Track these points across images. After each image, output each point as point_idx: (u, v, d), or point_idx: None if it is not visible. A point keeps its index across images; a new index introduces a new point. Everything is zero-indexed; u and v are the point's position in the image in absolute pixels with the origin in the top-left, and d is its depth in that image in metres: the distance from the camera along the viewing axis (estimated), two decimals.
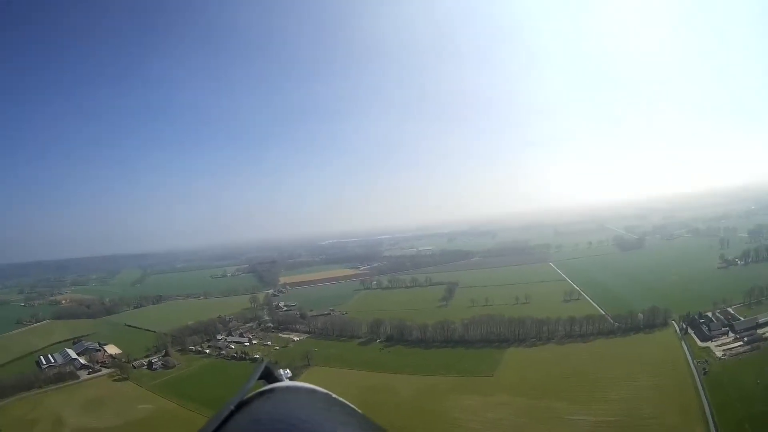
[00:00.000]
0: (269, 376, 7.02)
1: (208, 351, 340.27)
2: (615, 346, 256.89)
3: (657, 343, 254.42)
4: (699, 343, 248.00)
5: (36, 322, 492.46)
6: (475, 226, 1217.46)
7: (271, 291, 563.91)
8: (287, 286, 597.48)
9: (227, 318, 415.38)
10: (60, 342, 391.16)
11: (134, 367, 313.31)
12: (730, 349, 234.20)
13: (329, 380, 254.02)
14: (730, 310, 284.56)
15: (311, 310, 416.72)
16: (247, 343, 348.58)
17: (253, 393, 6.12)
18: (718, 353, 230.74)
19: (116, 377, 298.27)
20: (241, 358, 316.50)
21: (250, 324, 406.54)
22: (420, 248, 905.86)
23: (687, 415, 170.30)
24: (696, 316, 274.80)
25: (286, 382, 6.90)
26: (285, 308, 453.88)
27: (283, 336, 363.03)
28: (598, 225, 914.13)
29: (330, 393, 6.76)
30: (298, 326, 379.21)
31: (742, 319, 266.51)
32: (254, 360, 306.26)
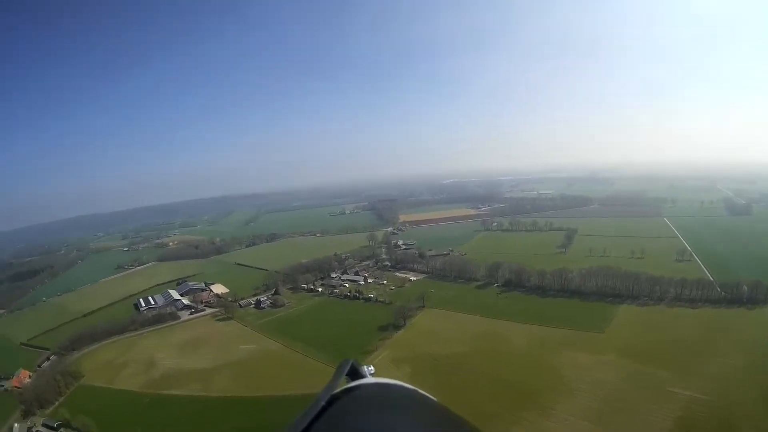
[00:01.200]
0: (354, 373, 7.77)
1: (320, 289, 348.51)
2: (720, 318, 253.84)
3: (759, 320, 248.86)
4: None
5: (139, 266, 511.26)
6: (593, 172, 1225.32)
7: (390, 229, 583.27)
8: (406, 225, 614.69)
9: (343, 256, 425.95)
10: (163, 284, 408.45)
11: (241, 306, 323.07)
12: None
13: (442, 323, 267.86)
14: None
15: (430, 250, 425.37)
16: (362, 282, 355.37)
17: (341, 389, 6.58)
18: None
19: (220, 317, 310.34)
20: (355, 297, 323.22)
21: (367, 262, 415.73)
22: (540, 191, 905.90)
23: None
24: None
25: (372, 379, 7.64)
26: (404, 247, 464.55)
27: (399, 275, 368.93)
28: (710, 183, 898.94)
29: (416, 389, 7.02)
30: (415, 266, 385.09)
31: None
32: (367, 300, 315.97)
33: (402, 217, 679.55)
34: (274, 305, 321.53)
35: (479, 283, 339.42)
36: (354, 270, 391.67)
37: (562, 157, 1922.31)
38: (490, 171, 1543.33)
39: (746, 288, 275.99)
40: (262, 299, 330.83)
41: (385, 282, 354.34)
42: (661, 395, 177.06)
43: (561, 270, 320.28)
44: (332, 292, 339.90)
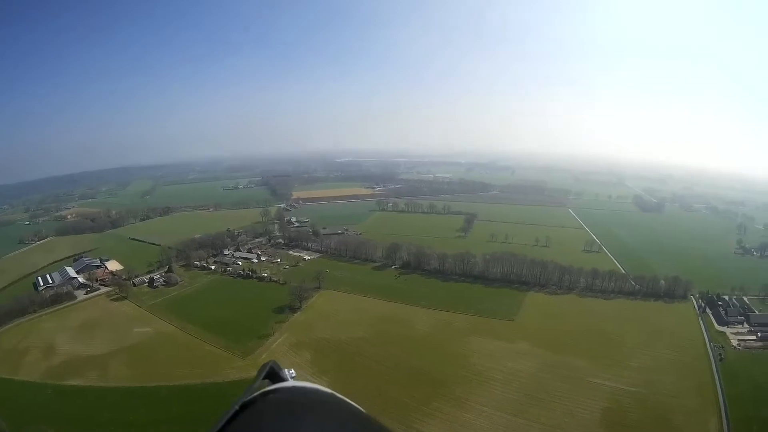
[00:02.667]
0: (274, 375, 7.04)
1: (213, 267, 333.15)
2: (636, 310, 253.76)
3: (677, 314, 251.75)
4: (716, 326, 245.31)
5: (39, 240, 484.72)
6: (493, 160, 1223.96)
7: (283, 205, 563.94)
8: (300, 201, 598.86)
9: (236, 232, 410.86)
10: (61, 260, 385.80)
11: (134, 285, 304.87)
12: (745, 340, 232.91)
13: (340, 305, 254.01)
14: (745, 299, 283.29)
15: (324, 228, 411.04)
16: (255, 260, 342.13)
17: (258, 393, 6.20)
18: (734, 342, 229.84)
19: (115, 296, 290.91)
20: (248, 276, 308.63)
21: (260, 239, 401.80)
22: (438, 175, 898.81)
23: (704, 400, 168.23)
24: (714, 297, 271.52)
25: (291, 382, 6.94)
26: (297, 224, 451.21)
27: (293, 254, 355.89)
28: (618, 180, 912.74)
29: (335, 393, 6.65)
30: (309, 244, 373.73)
31: (757, 312, 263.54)
32: (261, 279, 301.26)
33: (296, 194, 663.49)
34: (167, 283, 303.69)
35: (377, 264, 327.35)
36: (247, 247, 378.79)
37: (461, 144, 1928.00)
38: (388, 151, 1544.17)
39: (663, 282, 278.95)
40: (155, 277, 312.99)
41: (278, 260, 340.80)
42: (582, 386, 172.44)
43: (463, 254, 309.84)
44: (225, 270, 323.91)
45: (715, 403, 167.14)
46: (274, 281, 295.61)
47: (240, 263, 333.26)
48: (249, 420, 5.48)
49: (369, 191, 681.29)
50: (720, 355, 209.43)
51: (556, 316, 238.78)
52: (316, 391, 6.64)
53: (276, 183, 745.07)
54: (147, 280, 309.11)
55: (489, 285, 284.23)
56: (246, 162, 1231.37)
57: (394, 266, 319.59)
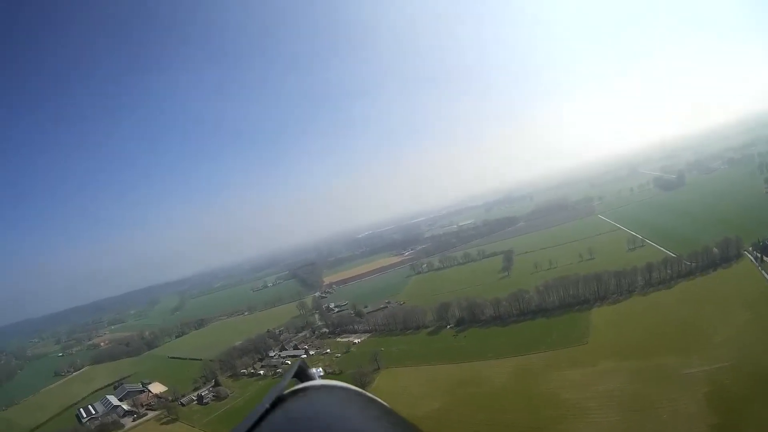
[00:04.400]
0: (302, 374, 6.76)
1: (262, 372, 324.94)
2: (699, 287, 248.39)
3: (738, 276, 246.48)
4: None
5: (75, 371, 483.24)
6: (508, 193, 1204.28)
7: (317, 293, 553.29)
8: (333, 286, 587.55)
9: (277, 331, 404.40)
10: (101, 389, 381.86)
11: (183, 405, 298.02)
12: None
13: (406, 381, 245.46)
14: None
15: (365, 306, 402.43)
16: (304, 355, 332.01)
17: (287, 391, 5.89)
18: None
19: (164, 419, 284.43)
20: None
21: (303, 333, 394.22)
22: (460, 223, 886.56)
23: None
24: (766, 243, 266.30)
25: (319, 381, 6.62)
26: (336, 309, 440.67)
27: (341, 340, 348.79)
28: (631, 171, 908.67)
29: (363, 391, 6.43)
30: (355, 326, 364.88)
31: None
32: None
33: (326, 279, 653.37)
34: (217, 398, 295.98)
35: (430, 329, 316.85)
36: (292, 344, 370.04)
37: (472, 187, 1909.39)
38: (403, 215, 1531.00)
39: (716, 250, 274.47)
40: (203, 393, 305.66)
41: (328, 351, 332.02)
42: (677, 382, 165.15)
43: (515, 293, 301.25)
44: (275, 373, 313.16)
45: None
46: (329, 373, 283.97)
47: (289, 362, 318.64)
48: (281, 417, 5.30)
49: (398, 258, 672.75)
50: None
51: (627, 324, 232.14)
52: (346, 389, 6.37)
53: (304, 273, 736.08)
54: (195, 398, 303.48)
55: (550, 316, 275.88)
56: (268, 259, 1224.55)
57: (448, 326, 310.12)
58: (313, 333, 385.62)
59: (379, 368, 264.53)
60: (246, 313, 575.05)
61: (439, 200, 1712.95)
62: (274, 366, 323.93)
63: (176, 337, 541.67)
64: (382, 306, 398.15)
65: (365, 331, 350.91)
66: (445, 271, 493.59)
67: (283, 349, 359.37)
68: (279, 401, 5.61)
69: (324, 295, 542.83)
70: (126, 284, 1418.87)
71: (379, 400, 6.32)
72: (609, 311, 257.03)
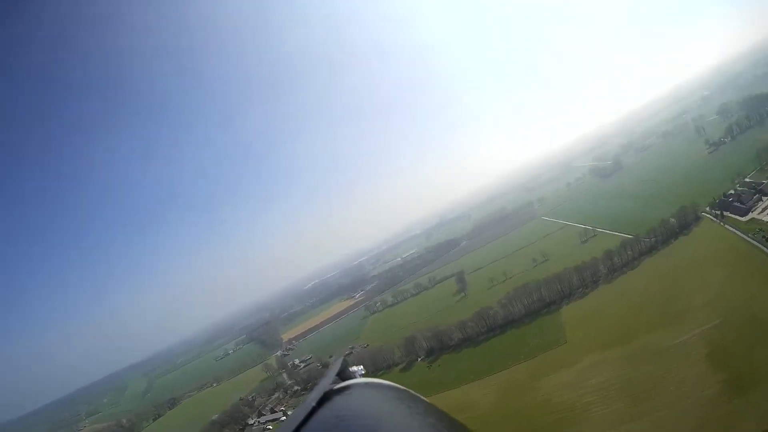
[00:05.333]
0: (343, 372, 7.14)
1: None
2: (665, 259, 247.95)
3: (702, 238, 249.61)
4: (742, 219, 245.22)
5: None
6: (443, 216, 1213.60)
7: (279, 352, 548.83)
8: (293, 342, 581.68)
9: (250, 397, 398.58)
10: None
11: None
12: None
13: None
14: (747, 179, 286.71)
15: (330, 356, 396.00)
16: (283, 417, 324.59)
17: (331, 389, 6.33)
18: (766, 218, 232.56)
19: None
20: None
21: (276, 395, 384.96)
22: (404, 255, 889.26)
23: None
24: (723, 198, 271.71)
25: (363, 379, 7.13)
26: (302, 364, 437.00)
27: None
28: (564, 168, 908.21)
29: (407, 389, 6.93)
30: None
31: (765, 181, 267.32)
32: None
33: (285, 336, 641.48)
34: None
35: (401, 365, 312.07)
36: (268, 408, 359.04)
37: (406, 218, 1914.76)
38: (343, 260, 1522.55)
39: (673, 220, 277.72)
40: None
41: None
42: (673, 353, 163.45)
43: (479, 311, 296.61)
44: None
45: None
46: None
47: (270, 427, 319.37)
48: (329, 415, 5.56)
49: (351, 302, 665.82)
50: (764, 236, 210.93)
51: (601, 314, 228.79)
52: (390, 387, 6.91)
53: (261, 334, 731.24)
54: None
55: (520, 325, 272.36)
56: (222, 326, 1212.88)
57: (419, 359, 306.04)
58: (286, 393, 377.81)
59: None
60: (214, 385, 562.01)
61: (378, 236, 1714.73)
62: None
63: (153, 420, 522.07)
64: (347, 353, 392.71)
65: None
66: (400, 305, 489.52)
67: (260, 414, 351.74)
68: (325, 398, 5.89)
69: (286, 352, 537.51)
70: (93, 372, 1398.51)
71: (422, 397, 6.73)
72: (579, 306, 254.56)
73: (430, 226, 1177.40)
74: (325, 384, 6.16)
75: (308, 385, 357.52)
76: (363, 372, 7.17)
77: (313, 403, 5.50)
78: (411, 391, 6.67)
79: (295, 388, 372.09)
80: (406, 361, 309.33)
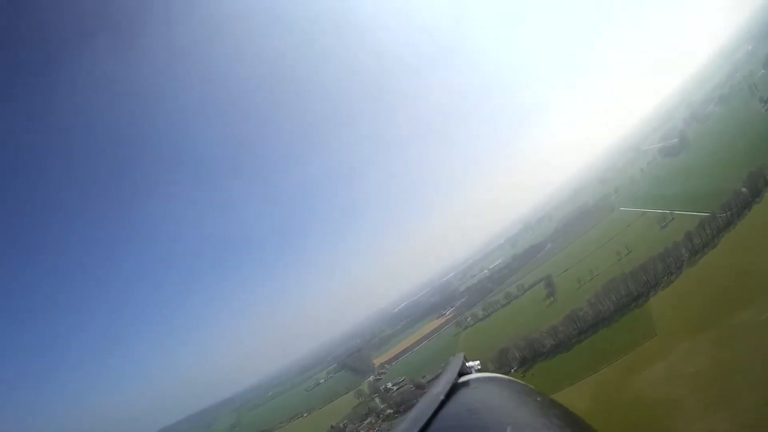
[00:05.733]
0: (463, 368, 7.52)
1: None
2: (744, 232, 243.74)
3: None
4: None
5: None
6: (525, 222, 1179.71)
7: (371, 378, 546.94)
8: (385, 365, 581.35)
9: (341, 425, 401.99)
10: None
11: None
12: None
13: None
14: None
15: (423, 377, 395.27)
16: None
17: (455, 383, 6.60)
18: None
19: None
20: None
21: (368, 420, 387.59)
22: (490, 266, 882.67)
23: None
24: None
25: (483, 374, 7.56)
26: (395, 387, 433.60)
27: None
28: (634, 153, 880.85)
29: (527, 384, 7.23)
30: (419, 399, 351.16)
31: None
32: None
33: (376, 361, 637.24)
34: None
35: None
36: None
37: (489, 230, 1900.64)
38: (430, 279, 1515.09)
39: (744, 189, 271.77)
40: None
41: None
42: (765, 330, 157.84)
43: (569, 314, 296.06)
44: None
45: None
46: None
47: None
48: (459, 408, 5.73)
49: (441, 320, 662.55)
50: None
51: (687, 302, 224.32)
52: (511, 381, 7.36)
53: (352, 361, 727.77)
54: None
55: (611, 323, 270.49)
56: (313, 357, 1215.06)
57: (513, 369, 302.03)
58: (378, 417, 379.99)
59: None
60: (305, 415, 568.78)
61: (463, 252, 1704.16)
62: None
63: None
64: (439, 371, 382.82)
65: None
66: (491, 318, 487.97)
67: None
68: (451, 393, 6.12)
69: (378, 377, 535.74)
70: (178, 411, 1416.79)
71: (543, 393, 6.71)
72: (666, 295, 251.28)
73: (513, 233, 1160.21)
74: (449, 378, 6.49)
75: (401, 407, 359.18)
76: (479, 367, 7.52)
77: (442, 396, 5.78)
78: (530, 386, 6.77)
79: (388, 411, 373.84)
80: (501, 373, 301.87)
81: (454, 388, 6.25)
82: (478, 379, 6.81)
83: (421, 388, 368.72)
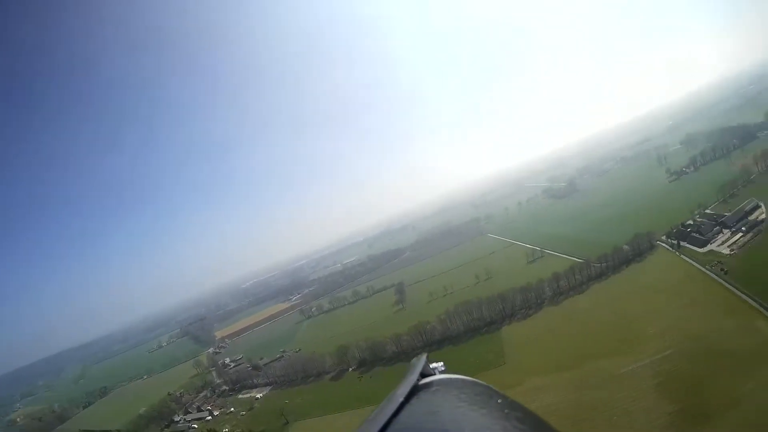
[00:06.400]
0: (425, 369, 7.19)
1: None
2: (616, 286, 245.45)
3: (656, 266, 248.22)
4: (699, 250, 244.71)
5: None
6: (388, 226, 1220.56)
7: (211, 350, 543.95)
8: (225, 340, 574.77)
9: (178, 393, 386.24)
10: None
11: None
12: (734, 242, 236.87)
13: None
14: (708, 211, 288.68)
15: (261, 359, 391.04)
16: (209, 417, 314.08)
17: (416, 385, 6.49)
18: (725, 251, 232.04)
19: None
20: None
21: (204, 393, 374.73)
22: (344, 261, 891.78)
23: (737, 316, 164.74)
24: (681, 228, 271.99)
25: (446, 375, 7.12)
26: (232, 364, 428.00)
27: (242, 397, 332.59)
28: (516, 187, 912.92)
29: (490, 385, 6.64)
30: (255, 380, 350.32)
31: (728, 214, 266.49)
32: None
33: (218, 334, 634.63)
34: None
35: (332, 374, 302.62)
36: (195, 406, 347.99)
37: (350, 225, 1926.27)
38: (284, 261, 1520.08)
39: (627, 247, 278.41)
40: None
41: (232, 409, 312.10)
42: (622, 380, 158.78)
43: (416, 325, 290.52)
44: None
45: (751, 308, 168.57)
46: None
47: (195, 426, 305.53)
48: (418, 410, 5.78)
49: (287, 305, 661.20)
50: (722, 269, 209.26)
51: (543, 337, 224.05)
52: (474, 383, 6.70)
53: (195, 330, 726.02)
54: None
55: (458, 343, 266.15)
56: (160, 318, 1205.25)
57: (351, 369, 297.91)
58: (213, 392, 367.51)
59: (288, 422, 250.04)
60: (145, 377, 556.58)
61: (320, 241, 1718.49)
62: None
63: (83, 408, 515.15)
64: (277, 356, 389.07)
65: (266, 384, 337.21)
66: (336, 312, 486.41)
67: (187, 412, 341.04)
68: (411, 394, 6.09)
69: (218, 350, 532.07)
70: (34, 353, 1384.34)
71: (505, 395, 6.40)
72: (520, 328, 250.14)
73: (374, 234, 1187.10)
74: (411, 380, 6.29)
75: (236, 386, 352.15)
76: (444, 369, 7.16)
77: (401, 398, 5.70)
78: (493, 387, 6.39)
79: (224, 387, 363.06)
80: (337, 371, 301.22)
81: (416, 390, 6.18)
82: (440, 381, 6.49)
83: (257, 369, 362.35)
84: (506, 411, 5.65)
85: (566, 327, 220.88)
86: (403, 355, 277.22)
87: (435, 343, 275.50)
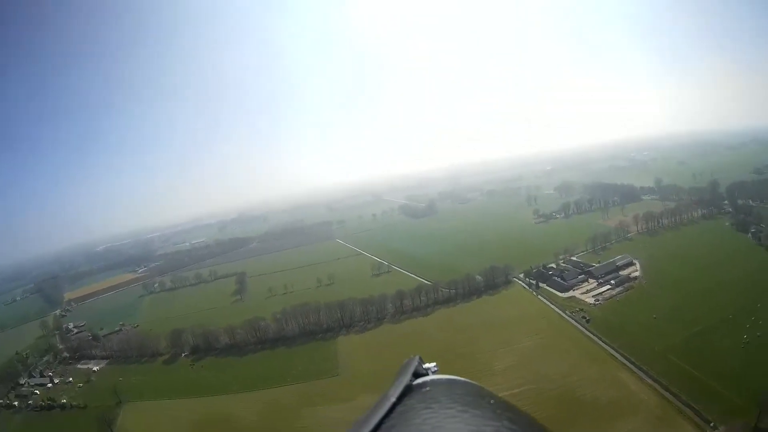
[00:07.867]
0: (417, 369, 7.25)
1: (16, 403, 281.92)
2: (464, 314, 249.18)
3: (511, 302, 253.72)
4: (560, 294, 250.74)
5: None
6: (243, 213, 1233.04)
7: (58, 311, 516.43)
8: (73, 303, 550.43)
9: (25, 354, 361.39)
10: None
11: None
12: (601, 293, 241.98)
13: (152, 418, 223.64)
14: (575, 258, 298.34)
15: (101, 329, 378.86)
16: (50, 384, 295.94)
17: (409, 385, 6.53)
18: (589, 300, 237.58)
19: None
20: (50, 407, 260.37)
21: (47, 357, 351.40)
22: (193, 242, 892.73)
23: (603, 364, 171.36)
24: (542, 269, 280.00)
25: (438, 375, 7.22)
26: (75, 330, 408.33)
27: (81, 367, 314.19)
28: (374, 198, 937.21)
29: (484, 387, 6.75)
30: (94, 351, 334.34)
31: (596, 264, 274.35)
32: (63, 408, 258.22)
33: (68, 295, 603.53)
34: None
35: (165, 356, 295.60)
36: (38, 370, 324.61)
37: (207, 205, 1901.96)
38: (139, 230, 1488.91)
39: (479, 278, 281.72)
40: None
41: (71, 379, 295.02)
42: None
43: (251, 320, 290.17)
44: (28, 405, 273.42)
45: (613, 359, 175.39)
46: (74, 407, 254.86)
47: (38, 392, 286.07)
48: (410, 410, 5.77)
49: (133, 276, 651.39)
50: (584, 318, 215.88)
51: (382, 354, 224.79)
52: (466, 383, 6.91)
53: (47, 287, 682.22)
54: None
55: (292, 345, 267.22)
56: (22, 268, 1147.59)
57: (184, 354, 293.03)
58: (56, 358, 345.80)
59: (120, 402, 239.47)
60: None
61: (176, 217, 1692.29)
62: (25, 396, 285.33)
63: None
64: (116, 329, 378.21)
65: (103, 357, 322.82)
66: (178, 292, 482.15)
67: (31, 375, 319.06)
68: (404, 394, 6.15)
69: (64, 313, 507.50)
70: None
71: (498, 396, 6.57)
72: (357, 341, 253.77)
73: (227, 219, 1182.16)
74: (403, 380, 6.33)
75: (76, 354, 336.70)
76: (437, 369, 7.20)
77: (394, 399, 5.76)
78: (486, 388, 6.52)
79: (65, 354, 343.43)
80: (171, 354, 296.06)
81: (409, 390, 6.25)
82: (433, 381, 6.60)
83: (96, 340, 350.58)
84: (498, 411, 5.82)
85: (407, 347, 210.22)
86: (236, 349, 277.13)
87: (268, 342, 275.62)
